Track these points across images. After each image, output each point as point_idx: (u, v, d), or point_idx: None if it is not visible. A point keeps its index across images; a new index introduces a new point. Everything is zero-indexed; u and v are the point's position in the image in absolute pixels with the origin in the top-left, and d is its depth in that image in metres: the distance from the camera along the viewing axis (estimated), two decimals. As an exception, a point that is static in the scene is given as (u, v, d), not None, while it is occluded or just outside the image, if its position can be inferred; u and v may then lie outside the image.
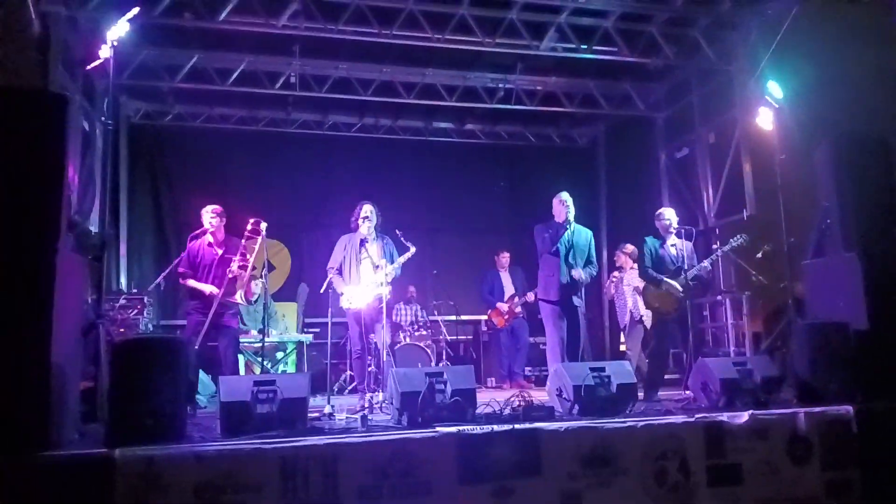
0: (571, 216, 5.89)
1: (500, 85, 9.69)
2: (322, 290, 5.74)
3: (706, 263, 6.17)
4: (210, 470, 3.25)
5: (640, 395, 5.24)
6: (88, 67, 6.34)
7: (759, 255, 6.93)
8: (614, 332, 9.80)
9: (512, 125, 11.31)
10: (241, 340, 6.37)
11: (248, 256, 5.88)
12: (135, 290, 8.26)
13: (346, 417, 4.49)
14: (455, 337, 9.23)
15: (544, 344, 9.08)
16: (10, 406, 3.22)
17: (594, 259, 6.09)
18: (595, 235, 6.32)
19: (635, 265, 7.41)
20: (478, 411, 4.17)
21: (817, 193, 5.39)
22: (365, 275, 5.86)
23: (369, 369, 5.91)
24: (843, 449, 4.11)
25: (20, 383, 3.27)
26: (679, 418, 4.02)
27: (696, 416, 4.05)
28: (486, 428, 3.70)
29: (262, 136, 10.40)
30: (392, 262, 5.89)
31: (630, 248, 7.65)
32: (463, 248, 10.67)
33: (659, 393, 5.82)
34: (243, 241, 5.84)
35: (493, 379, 8.94)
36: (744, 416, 4.05)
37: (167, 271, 6.49)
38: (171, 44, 8.34)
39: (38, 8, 6.54)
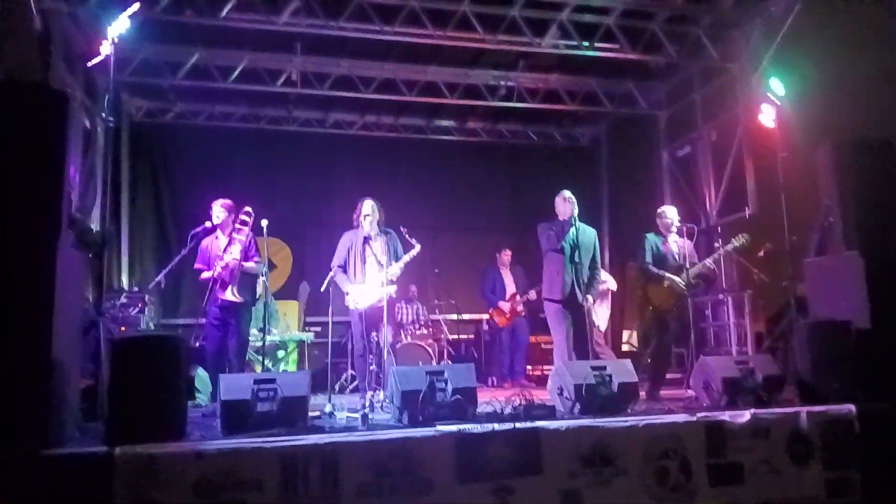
0: (576, 213, 5.85)
1: (502, 83, 9.68)
2: (323, 289, 5.73)
3: (709, 262, 6.16)
4: (210, 467, 3.24)
5: (642, 394, 5.23)
6: (89, 64, 6.33)
7: (761, 253, 6.91)
8: (615, 331, 9.79)
9: (514, 123, 11.31)
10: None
11: (252, 252, 5.91)
12: (136, 288, 8.26)
13: (347, 416, 4.48)
14: (456, 336, 9.24)
15: (546, 343, 9.13)
16: (10, 404, 3.22)
17: (598, 258, 6.05)
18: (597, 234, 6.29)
19: None
20: (478, 410, 4.16)
21: (819, 192, 5.38)
22: (370, 273, 5.85)
23: (370, 368, 5.90)
24: (845, 449, 4.10)
25: (20, 381, 3.26)
26: (680, 417, 4.02)
27: (698, 415, 4.05)
28: (487, 427, 3.69)
29: (263, 133, 10.39)
30: (397, 260, 5.88)
31: None
32: (464, 246, 10.65)
33: (661, 392, 5.80)
34: (241, 233, 5.85)
35: (494, 378, 8.93)
36: (745, 416, 4.05)
37: (168, 269, 6.47)
38: (172, 41, 8.33)
39: (38, 4, 6.53)
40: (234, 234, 5.89)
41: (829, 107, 6.63)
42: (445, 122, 11.14)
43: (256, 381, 3.85)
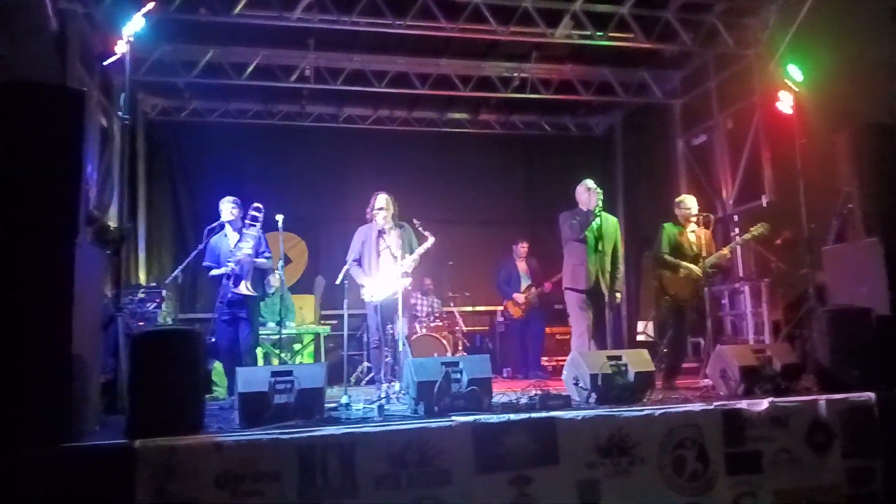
0: (601, 203, 5.81)
1: (515, 74, 9.62)
2: (338, 282, 5.76)
3: (725, 251, 6.11)
4: (229, 460, 3.28)
5: (658, 383, 5.22)
6: (105, 63, 6.39)
7: (779, 241, 6.85)
8: (631, 320, 9.75)
9: (527, 114, 11.25)
10: (259, 333, 6.41)
11: (263, 247, 5.95)
12: (153, 284, 8.34)
13: (364, 407, 4.51)
14: (471, 328, 9.24)
15: (561, 334, 9.12)
16: (32, 398, 3.27)
17: (620, 249, 6.01)
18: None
19: None
20: (494, 401, 4.17)
21: (838, 179, 5.32)
22: (384, 266, 5.87)
23: (386, 360, 5.93)
24: (865, 437, 4.07)
25: (42, 376, 3.32)
26: (697, 406, 4.00)
27: (715, 403, 4.03)
28: (503, 417, 3.70)
29: (277, 129, 10.43)
30: (411, 253, 5.90)
31: None
32: (478, 238, 10.65)
33: (677, 381, 5.78)
34: (252, 230, 5.90)
35: (509, 369, 8.94)
36: (763, 404, 4.02)
37: (184, 264, 6.53)
38: (186, 39, 8.38)
39: (55, 5, 6.60)
40: (245, 231, 5.93)
41: (847, 93, 6.54)
42: (458, 115, 11.11)
43: (274, 374, 3.89)
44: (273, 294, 6.52)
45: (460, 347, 8.65)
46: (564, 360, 4.79)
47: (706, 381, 5.15)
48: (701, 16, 8.38)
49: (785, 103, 6.15)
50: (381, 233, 5.95)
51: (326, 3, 7.59)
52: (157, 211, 9.87)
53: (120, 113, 5.31)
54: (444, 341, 8.12)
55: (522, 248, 9.00)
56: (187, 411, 3.54)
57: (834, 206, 5.69)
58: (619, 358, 4.46)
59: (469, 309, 9.11)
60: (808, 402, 4.10)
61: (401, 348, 5.61)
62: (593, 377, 4.30)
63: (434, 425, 3.59)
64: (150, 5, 5.03)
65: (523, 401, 4.17)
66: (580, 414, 3.81)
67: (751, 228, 6.12)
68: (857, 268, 4.86)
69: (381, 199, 5.97)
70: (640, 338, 9.57)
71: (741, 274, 8.75)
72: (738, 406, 4.00)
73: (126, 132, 6.15)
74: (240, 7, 7.37)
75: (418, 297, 8.83)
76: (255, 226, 5.94)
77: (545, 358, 8.92)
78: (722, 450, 3.90)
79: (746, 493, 3.90)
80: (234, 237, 6.01)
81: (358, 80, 9.26)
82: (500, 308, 9.27)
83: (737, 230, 8.76)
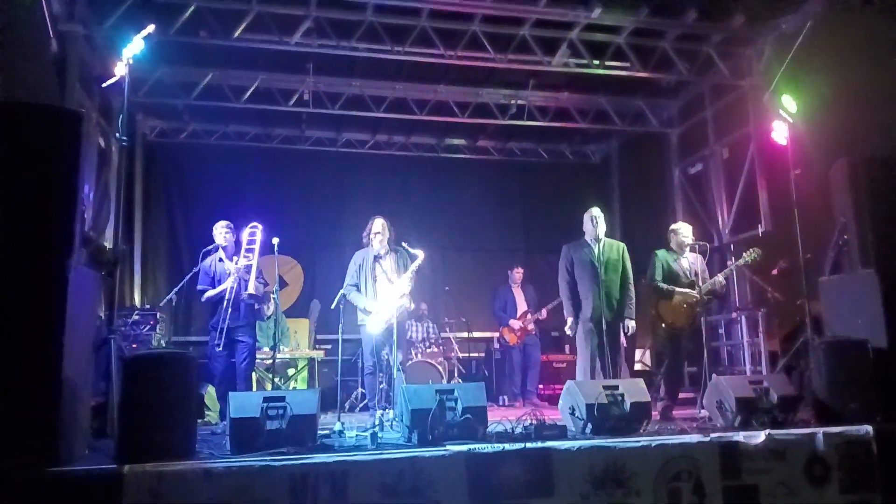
0: (601, 232, 5.83)
1: (513, 101, 9.70)
2: (333, 306, 5.73)
3: (720, 278, 6.11)
4: (219, 486, 3.23)
5: (655, 413, 5.17)
6: (104, 85, 6.40)
7: (775, 271, 6.85)
8: (629, 349, 9.69)
9: (524, 141, 11.33)
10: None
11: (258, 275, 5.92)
12: (148, 306, 8.30)
13: (357, 435, 4.45)
14: (467, 354, 9.18)
15: (558, 362, 9.07)
16: (20, 421, 3.23)
17: (629, 272, 5.98)
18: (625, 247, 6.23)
19: None
20: (489, 429, 4.13)
21: (833, 209, 5.33)
22: (381, 291, 5.85)
23: (381, 386, 5.88)
24: (863, 471, 4.02)
25: (31, 399, 3.28)
26: (694, 438, 3.96)
27: (711, 435, 3.98)
28: (498, 447, 3.65)
29: (276, 153, 10.47)
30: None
31: None
32: (475, 264, 10.65)
33: (674, 411, 5.73)
34: (250, 258, 5.87)
35: (505, 397, 8.87)
36: (760, 436, 3.98)
37: (179, 286, 6.51)
38: (186, 62, 8.44)
39: (55, 27, 6.64)
40: (243, 256, 5.89)
41: (842, 123, 6.59)
42: (456, 141, 11.18)
43: (266, 399, 3.85)
44: (268, 318, 6.48)
45: (456, 374, 8.58)
46: (561, 389, 4.75)
47: (703, 411, 5.11)
48: (697, 46, 8.48)
49: (780, 133, 6.19)
50: (377, 258, 5.94)
51: (326, 28, 7.67)
52: (153, 233, 9.86)
53: (118, 134, 5.30)
54: (440, 368, 8.06)
55: (518, 273, 8.99)
56: (178, 436, 3.49)
57: (830, 236, 5.69)
58: (615, 388, 4.42)
59: (465, 335, 9.06)
60: (806, 434, 4.05)
61: (395, 374, 5.56)
62: (589, 407, 4.26)
63: (427, 454, 3.55)
64: (151, 28, 5.07)
65: (518, 430, 4.12)
66: (576, 444, 3.76)
67: (744, 254, 6.13)
68: (853, 299, 4.85)
69: (378, 224, 5.98)
70: (636, 367, 9.52)
71: (738, 304, 8.74)
72: (736, 438, 3.96)
73: (124, 154, 6.15)
74: (239, 31, 7.43)
75: (412, 323, 8.80)
76: (252, 252, 5.89)
77: (541, 386, 8.86)
78: (719, 483, 3.85)
79: (744, 526, 3.84)
80: (230, 265, 5.96)
81: (356, 104, 9.33)
82: (497, 335, 9.22)
83: (733, 259, 8.77)
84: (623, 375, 5.79)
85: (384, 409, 5.44)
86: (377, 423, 4.88)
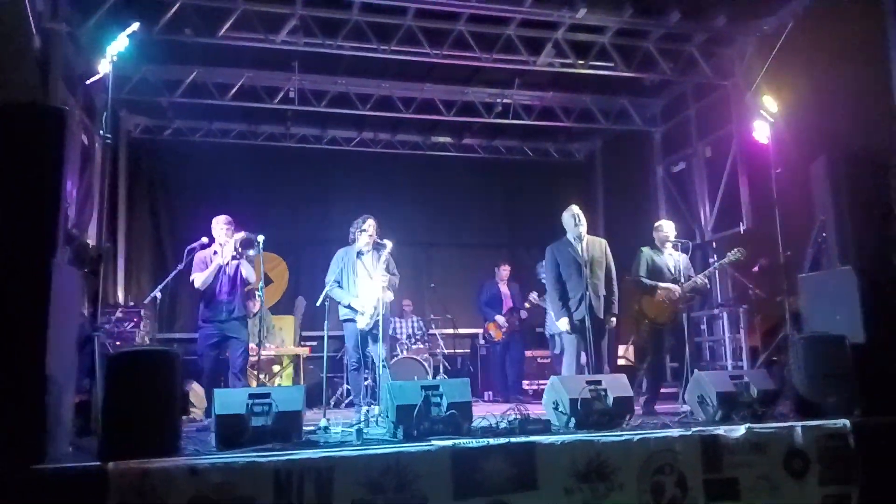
0: (583, 229, 5.85)
1: (498, 100, 9.74)
2: (319, 303, 5.74)
3: (703, 276, 6.18)
4: (204, 483, 3.23)
5: (638, 408, 5.23)
6: (88, 82, 6.38)
7: (756, 268, 6.93)
8: (612, 344, 9.76)
9: (510, 140, 11.39)
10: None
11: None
12: (131, 303, 8.26)
13: (342, 431, 4.47)
14: (452, 350, 9.21)
15: (542, 357, 9.12)
16: (4, 419, 3.21)
17: (613, 268, 6.02)
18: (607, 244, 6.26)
19: None
20: (474, 425, 4.16)
21: (813, 207, 5.41)
22: (362, 286, 5.88)
23: (366, 383, 5.90)
24: (841, 463, 4.09)
25: (15, 396, 3.26)
26: (675, 432, 4.00)
27: (693, 429, 4.04)
28: (482, 441, 3.68)
29: (260, 150, 10.44)
30: (389, 272, 5.91)
31: None
32: (460, 262, 10.69)
33: (656, 406, 5.79)
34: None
35: (490, 392, 8.91)
36: (741, 430, 4.04)
37: (163, 283, 6.48)
38: (170, 59, 8.39)
39: (39, 25, 6.58)
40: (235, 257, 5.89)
41: (823, 122, 6.68)
42: (442, 139, 11.20)
43: (251, 396, 3.85)
44: (254, 315, 6.48)
45: (441, 370, 8.61)
46: (545, 384, 4.79)
47: (684, 406, 5.17)
48: (680, 45, 8.56)
49: (761, 132, 6.27)
50: (359, 254, 5.98)
51: (312, 26, 7.66)
52: (136, 230, 9.80)
53: (102, 132, 5.28)
54: (425, 364, 8.09)
55: (504, 270, 9.03)
56: (162, 433, 3.49)
57: (810, 233, 5.77)
58: (598, 383, 4.47)
59: (450, 331, 9.09)
60: (785, 428, 4.12)
61: (380, 371, 5.58)
62: (573, 402, 4.31)
63: (413, 449, 3.56)
64: (135, 26, 5.03)
65: (503, 425, 4.16)
66: (559, 439, 3.80)
67: (728, 254, 6.21)
68: (832, 295, 4.92)
69: (369, 224, 6.00)
70: (620, 362, 9.59)
71: (719, 300, 8.84)
72: (716, 432, 4.02)
73: (108, 151, 6.11)
74: (225, 29, 7.41)
75: (396, 320, 8.83)
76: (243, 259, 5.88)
77: (526, 381, 8.91)
78: (700, 476, 3.90)
79: (725, 519, 3.90)
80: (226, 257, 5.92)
81: (342, 102, 9.32)
82: (481, 331, 9.26)
83: (715, 256, 8.85)
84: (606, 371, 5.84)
85: (369, 406, 5.46)
86: (362, 419, 4.90)
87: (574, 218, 5.91)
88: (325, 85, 9.20)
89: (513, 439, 3.74)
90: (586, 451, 3.77)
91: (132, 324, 7.02)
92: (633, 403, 4.66)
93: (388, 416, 4.22)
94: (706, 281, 6.23)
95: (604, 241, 6.08)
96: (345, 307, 5.91)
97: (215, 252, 5.96)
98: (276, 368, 8.44)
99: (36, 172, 3.57)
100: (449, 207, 10.84)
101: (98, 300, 4.83)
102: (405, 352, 8.31)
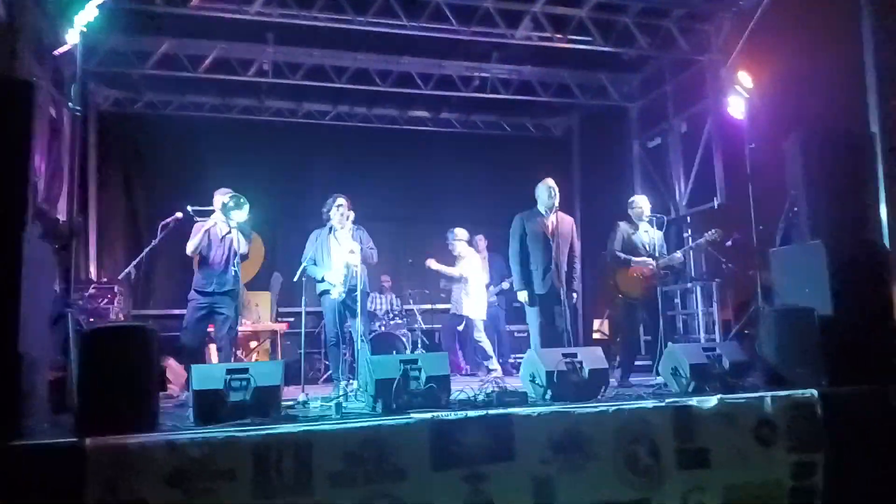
0: (557, 202, 5.89)
1: (476, 74, 9.69)
2: (296, 279, 5.72)
3: (678, 255, 6.27)
4: (183, 458, 3.23)
5: (613, 380, 5.32)
6: (56, 53, 6.21)
7: (729, 243, 7.04)
8: (587, 318, 9.89)
9: (487, 114, 11.33)
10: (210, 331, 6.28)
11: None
12: (105, 280, 8.15)
13: (321, 405, 4.49)
14: (430, 325, 9.25)
15: (519, 332, 9.21)
16: (-24, 396, 3.18)
17: (577, 247, 6.08)
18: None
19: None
20: (452, 397, 4.20)
21: (786, 183, 5.49)
22: (336, 260, 5.89)
23: (344, 357, 5.92)
24: (808, 432, 4.19)
25: (-12, 373, 3.22)
26: (649, 403, 4.08)
27: (666, 400, 4.12)
28: (460, 414, 3.72)
29: (234, 123, 10.28)
30: (361, 243, 5.90)
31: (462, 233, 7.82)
32: (438, 237, 10.65)
33: (630, 378, 5.90)
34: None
35: (468, 366, 8.98)
36: (712, 401, 4.13)
37: (138, 259, 6.40)
38: (141, 30, 8.18)
39: (4, -6, 6.39)
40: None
41: (797, 99, 6.75)
42: (419, 113, 11.12)
43: (229, 371, 3.85)
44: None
45: (419, 345, 8.66)
46: (522, 357, 4.85)
47: (658, 378, 5.27)
48: (658, 21, 8.56)
49: (736, 108, 6.33)
50: (331, 230, 5.98)
51: (286, -3, 7.52)
52: (109, 205, 9.63)
53: (71, 104, 5.16)
54: (403, 339, 8.13)
55: (481, 241, 9.06)
56: (139, 409, 3.47)
57: (782, 209, 5.86)
58: (574, 355, 4.53)
59: (429, 307, 9.11)
60: (755, 398, 4.21)
61: (359, 346, 5.60)
62: (549, 374, 4.37)
63: (392, 422, 3.60)
64: (104, -5, 4.92)
65: (481, 398, 4.21)
66: (536, 410, 3.86)
67: (705, 234, 6.30)
68: (802, 269, 5.01)
69: (340, 201, 5.99)
70: (595, 335, 9.72)
71: (693, 275, 8.96)
72: (689, 403, 4.10)
73: (77, 124, 5.98)
74: (197, -1, 7.25)
75: (375, 296, 8.82)
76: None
77: (505, 358, 8.98)
78: (673, 445, 3.98)
79: (696, 488, 3.98)
80: (223, 229, 5.85)
81: (317, 75, 9.20)
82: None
83: (689, 231, 8.97)
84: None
85: (348, 381, 5.49)
86: (341, 393, 4.92)
87: (549, 190, 5.94)
88: (301, 57, 9.06)
89: (490, 411, 3.79)
90: (562, 422, 3.83)
91: (106, 300, 6.94)
92: (609, 375, 4.73)
93: (366, 391, 4.25)
94: (681, 258, 6.32)
95: (572, 220, 6.13)
96: (319, 282, 5.92)
97: (215, 224, 5.89)
98: (252, 344, 8.42)
99: (3, 145, 3.49)
100: (426, 182, 10.79)
101: (71, 276, 4.77)
102: (383, 327, 8.33)
